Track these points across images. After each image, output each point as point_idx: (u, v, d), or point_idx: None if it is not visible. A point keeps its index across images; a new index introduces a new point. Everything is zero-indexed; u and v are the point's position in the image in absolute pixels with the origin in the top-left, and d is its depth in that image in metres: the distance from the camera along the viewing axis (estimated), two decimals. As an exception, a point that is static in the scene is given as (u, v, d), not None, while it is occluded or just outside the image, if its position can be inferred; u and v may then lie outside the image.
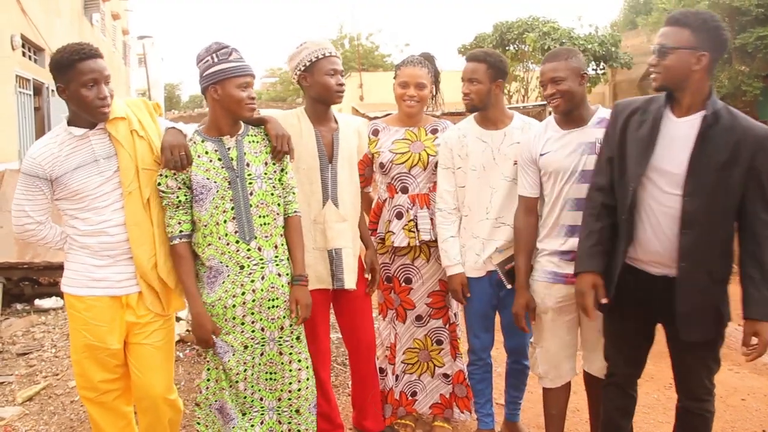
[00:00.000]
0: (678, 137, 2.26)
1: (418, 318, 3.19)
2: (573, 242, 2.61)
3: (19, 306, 5.70)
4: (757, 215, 2.21)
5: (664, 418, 3.46)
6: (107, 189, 2.39)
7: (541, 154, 2.68)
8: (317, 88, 2.80)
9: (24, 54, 10.91)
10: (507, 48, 16.34)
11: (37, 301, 5.70)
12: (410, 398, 3.30)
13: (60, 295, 5.44)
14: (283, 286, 2.52)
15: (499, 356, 4.11)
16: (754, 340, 2.24)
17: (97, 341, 2.42)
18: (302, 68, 2.80)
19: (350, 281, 2.85)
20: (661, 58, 2.24)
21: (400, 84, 3.09)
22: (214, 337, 2.46)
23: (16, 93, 10.11)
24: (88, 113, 2.32)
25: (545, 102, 2.92)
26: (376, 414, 3.13)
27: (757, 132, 2.18)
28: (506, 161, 2.88)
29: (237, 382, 2.50)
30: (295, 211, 2.63)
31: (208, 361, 2.57)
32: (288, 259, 2.59)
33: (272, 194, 2.52)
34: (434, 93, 3.23)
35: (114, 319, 2.44)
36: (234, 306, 2.44)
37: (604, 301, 2.42)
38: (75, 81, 2.26)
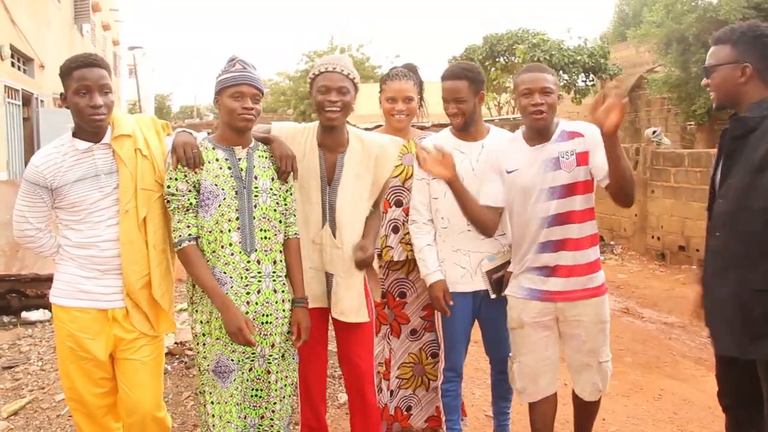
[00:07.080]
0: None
1: (413, 332, 3.17)
2: (547, 258, 2.61)
3: (5, 318, 5.63)
4: None
5: (653, 429, 3.45)
6: (105, 204, 2.39)
7: (509, 171, 2.60)
8: (315, 106, 2.65)
9: (13, 64, 10.86)
10: (497, 60, 16.45)
11: (24, 314, 5.63)
12: (405, 413, 3.27)
13: (47, 307, 5.37)
14: (277, 302, 2.48)
15: (485, 368, 4.10)
16: None
17: (82, 351, 2.40)
18: (309, 84, 2.68)
19: (348, 313, 2.66)
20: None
21: (387, 99, 3.06)
22: (223, 357, 2.40)
23: (5, 103, 10.04)
24: (81, 121, 2.34)
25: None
26: None
27: None
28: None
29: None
30: (295, 234, 2.60)
31: (209, 393, 2.43)
32: (286, 277, 2.55)
33: (275, 210, 2.50)
34: (420, 103, 3.20)
35: (100, 332, 2.41)
36: None
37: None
38: (70, 88, 2.31)
